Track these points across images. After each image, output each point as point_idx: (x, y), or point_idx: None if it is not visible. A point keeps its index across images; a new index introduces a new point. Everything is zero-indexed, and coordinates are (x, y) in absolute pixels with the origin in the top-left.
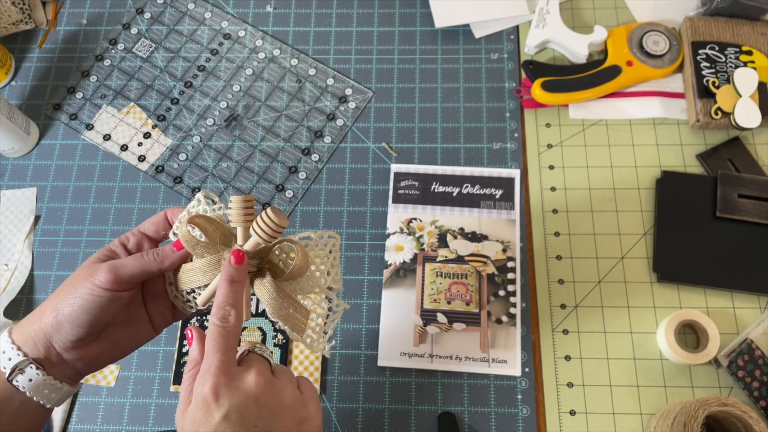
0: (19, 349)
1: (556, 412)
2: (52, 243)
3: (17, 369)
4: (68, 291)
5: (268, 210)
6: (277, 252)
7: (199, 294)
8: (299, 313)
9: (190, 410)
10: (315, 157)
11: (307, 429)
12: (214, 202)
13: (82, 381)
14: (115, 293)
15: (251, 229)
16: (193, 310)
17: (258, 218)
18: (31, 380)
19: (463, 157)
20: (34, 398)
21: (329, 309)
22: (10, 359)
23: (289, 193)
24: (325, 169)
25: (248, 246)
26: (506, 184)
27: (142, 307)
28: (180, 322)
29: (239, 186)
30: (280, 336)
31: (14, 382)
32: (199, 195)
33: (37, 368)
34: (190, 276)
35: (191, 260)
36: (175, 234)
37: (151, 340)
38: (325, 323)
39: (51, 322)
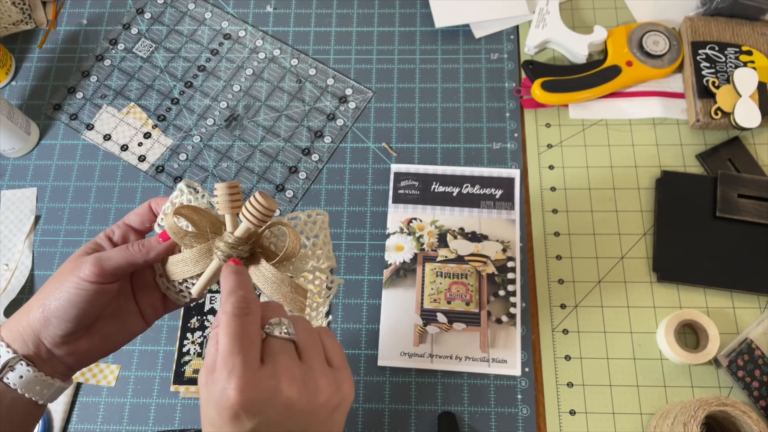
0: (8, 346)
1: (556, 412)
2: (52, 243)
3: (7, 366)
4: (54, 286)
5: (256, 194)
6: (267, 235)
7: (193, 284)
8: (298, 293)
9: (213, 416)
10: (315, 157)
11: (339, 414)
12: (197, 191)
13: (81, 381)
14: (101, 286)
15: (240, 215)
16: (187, 300)
17: (247, 203)
18: (21, 377)
19: (463, 157)
20: (26, 395)
21: (324, 286)
22: None
23: (289, 193)
24: (325, 169)
25: (239, 232)
26: (506, 184)
27: (131, 300)
28: (180, 322)
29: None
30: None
31: (4, 380)
32: (181, 185)
33: (28, 364)
34: (180, 267)
35: (179, 251)
36: (160, 225)
37: (142, 332)
38: (321, 300)
39: (38, 318)
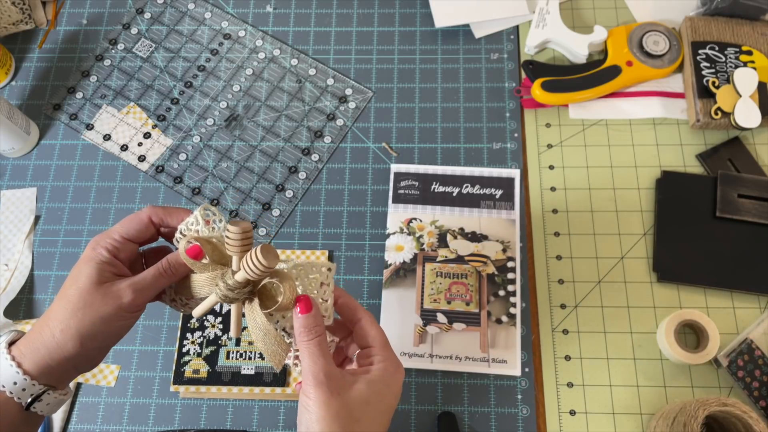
0: (33, 378)
1: (556, 412)
2: (52, 243)
3: (36, 398)
4: (90, 317)
5: (258, 251)
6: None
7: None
8: (280, 347)
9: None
10: (315, 157)
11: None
12: (214, 214)
13: (81, 381)
14: (138, 312)
15: (241, 264)
16: (188, 313)
17: (248, 256)
18: (48, 404)
19: (463, 157)
20: (40, 413)
21: None
22: (24, 390)
23: (289, 193)
24: (325, 169)
25: (238, 277)
26: (506, 184)
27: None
28: (180, 322)
29: (239, 186)
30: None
31: (32, 409)
32: (197, 213)
33: (54, 391)
34: (191, 286)
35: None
36: (179, 241)
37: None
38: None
39: (77, 352)
